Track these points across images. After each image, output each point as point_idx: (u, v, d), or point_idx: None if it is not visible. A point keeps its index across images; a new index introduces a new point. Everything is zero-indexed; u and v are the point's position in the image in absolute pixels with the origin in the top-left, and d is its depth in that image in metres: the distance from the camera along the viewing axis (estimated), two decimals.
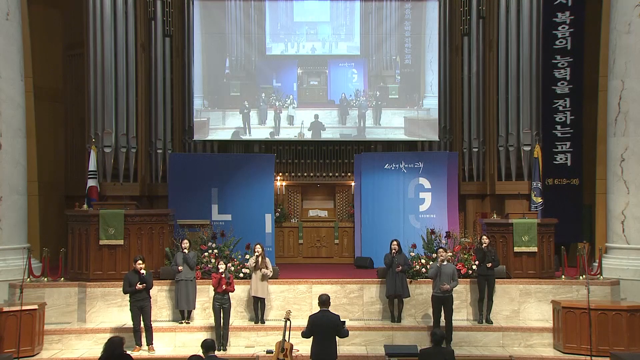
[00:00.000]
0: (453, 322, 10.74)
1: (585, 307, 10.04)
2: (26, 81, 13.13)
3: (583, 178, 14.03)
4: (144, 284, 10.29)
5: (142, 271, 10.34)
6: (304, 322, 8.71)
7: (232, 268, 11.67)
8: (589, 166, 13.97)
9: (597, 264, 12.31)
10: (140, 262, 10.41)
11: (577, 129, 14.03)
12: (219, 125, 15.64)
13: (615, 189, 12.31)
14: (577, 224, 13.81)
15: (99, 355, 7.54)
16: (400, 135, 15.69)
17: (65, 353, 10.49)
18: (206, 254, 12.02)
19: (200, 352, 7.54)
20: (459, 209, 14.86)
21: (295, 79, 15.82)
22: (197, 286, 11.34)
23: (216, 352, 7.82)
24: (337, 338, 8.27)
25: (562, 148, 14.11)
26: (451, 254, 11.86)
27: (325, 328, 8.17)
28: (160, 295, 11.44)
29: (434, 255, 11.95)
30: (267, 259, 11.39)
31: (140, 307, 10.38)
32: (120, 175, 14.90)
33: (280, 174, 15.72)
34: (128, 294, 10.42)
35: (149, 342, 10.45)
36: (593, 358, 9.70)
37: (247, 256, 11.86)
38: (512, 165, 14.85)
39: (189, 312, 11.30)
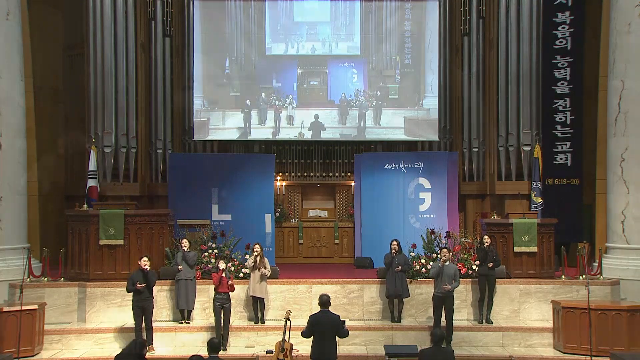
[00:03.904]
0: (453, 322, 10.74)
1: (585, 307, 10.04)
2: (26, 81, 13.14)
3: (583, 178, 14.05)
4: (144, 284, 10.30)
5: (147, 267, 10.34)
6: (304, 322, 8.71)
7: (232, 268, 11.68)
8: (589, 166, 13.97)
9: (597, 264, 12.31)
10: (145, 259, 10.42)
11: (577, 129, 14.05)
12: (219, 125, 15.64)
13: (615, 189, 12.31)
14: (577, 224, 13.82)
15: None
16: (400, 135, 15.68)
17: (65, 353, 10.49)
18: (206, 254, 12.02)
19: (200, 352, 7.54)
20: (459, 209, 14.86)
21: (295, 79, 15.81)
22: (197, 286, 11.34)
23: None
24: (337, 338, 8.28)
25: (562, 148, 14.12)
26: (451, 254, 11.86)
27: (325, 328, 8.17)
28: (160, 295, 11.44)
29: (434, 255, 11.97)
30: (266, 259, 11.38)
31: (143, 307, 10.38)
32: (120, 175, 14.91)
33: (280, 174, 15.72)
34: (131, 293, 10.42)
35: (149, 342, 10.43)
36: (593, 358, 9.69)
37: (247, 256, 11.87)
38: (512, 165, 14.86)
39: (189, 312, 11.30)
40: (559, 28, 14.11)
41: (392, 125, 15.68)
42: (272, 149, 15.77)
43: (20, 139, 12.61)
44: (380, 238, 13.62)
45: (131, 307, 10.46)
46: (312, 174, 15.85)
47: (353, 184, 15.39)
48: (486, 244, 11.38)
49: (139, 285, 10.25)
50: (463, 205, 15.43)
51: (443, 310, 10.68)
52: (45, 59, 15.13)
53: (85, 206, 13.08)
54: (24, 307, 10.12)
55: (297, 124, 15.66)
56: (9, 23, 12.36)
